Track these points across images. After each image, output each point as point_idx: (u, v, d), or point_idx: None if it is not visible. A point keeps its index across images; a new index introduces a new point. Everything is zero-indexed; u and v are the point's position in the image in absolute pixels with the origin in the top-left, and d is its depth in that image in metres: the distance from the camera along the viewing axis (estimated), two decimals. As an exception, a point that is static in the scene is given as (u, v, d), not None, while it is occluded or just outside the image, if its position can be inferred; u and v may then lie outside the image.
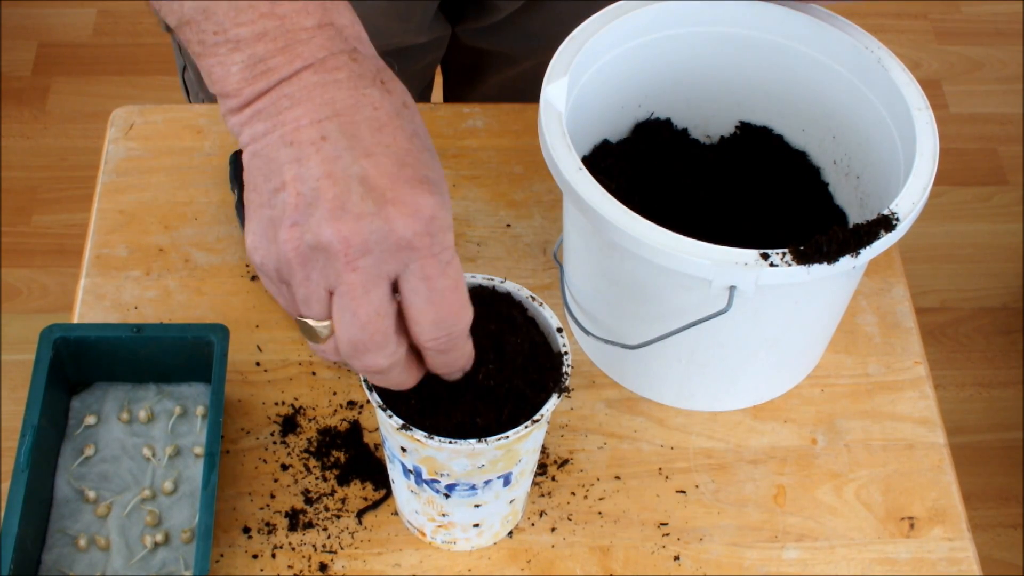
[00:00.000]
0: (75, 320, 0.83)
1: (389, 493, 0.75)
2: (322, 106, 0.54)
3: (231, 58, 0.56)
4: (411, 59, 1.04)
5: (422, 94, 1.15)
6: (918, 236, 1.86)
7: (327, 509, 0.75)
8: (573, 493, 0.77)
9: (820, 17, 0.77)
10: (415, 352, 0.60)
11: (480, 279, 0.67)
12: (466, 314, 0.57)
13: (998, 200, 1.98)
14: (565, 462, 0.78)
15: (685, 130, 0.86)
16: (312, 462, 0.77)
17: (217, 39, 0.56)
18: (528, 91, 0.84)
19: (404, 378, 0.60)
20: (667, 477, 0.77)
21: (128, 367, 0.77)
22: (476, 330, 0.62)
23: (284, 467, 0.77)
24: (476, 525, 0.71)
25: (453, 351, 0.58)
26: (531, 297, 0.67)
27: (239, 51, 0.55)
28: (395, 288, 0.56)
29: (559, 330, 0.65)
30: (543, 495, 0.76)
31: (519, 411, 0.63)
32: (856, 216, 0.81)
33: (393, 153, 0.54)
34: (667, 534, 0.75)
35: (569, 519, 0.75)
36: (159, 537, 0.72)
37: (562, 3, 0.78)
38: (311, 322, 0.57)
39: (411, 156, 0.55)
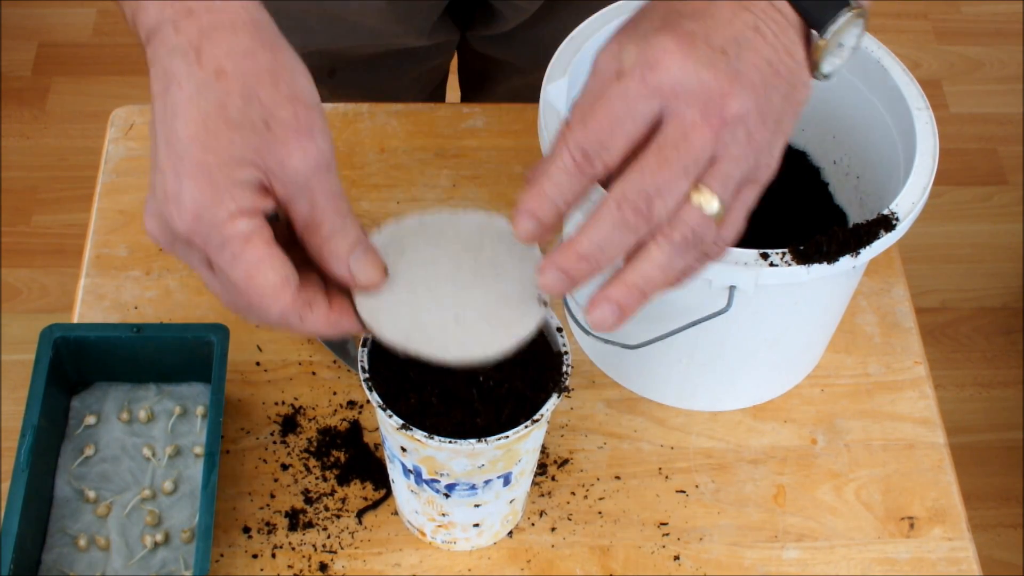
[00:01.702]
0: (75, 320, 0.83)
1: (389, 493, 0.75)
2: (153, 83, 0.55)
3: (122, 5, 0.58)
4: (415, 61, 1.04)
5: (432, 95, 1.15)
6: (918, 236, 1.86)
7: (327, 509, 0.75)
8: (573, 493, 0.77)
9: (820, 17, 0.77)
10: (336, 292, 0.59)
11: None
12: (274, 303, 0.55)
13: (998, 200, 1.98)
14: (565, 462, 0.78)
15: (685, 130, 0.86)
16: (312, 462, 0.77)
17: None
18: (536, 102, 0.84)
19: (308, 326, 0.57)
20: (667, 477, 0.77)
21: (128, 367, 0.77)
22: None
23: (284, 467, 0.77)
24: (476, 525, 0.71)
25: (284, 329, 0.57)
26: (531, 297, 0.67)
27: (126, 9, 0.57)
28: None
29: (559, 330, 0.65)
30: (543, 495, 0.76)
31: (519, 411, 0.63)
32: (856, 216, 0.81)
33: (181, 141, 0.53)
34: (667, 534, 0.75)
35: (569, 519, 0.75)
36: (159, 537, 0.72)
37: (571, 16, 0.78)
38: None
39: (196, 143, 0.53)
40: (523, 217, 0.56)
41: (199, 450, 0.76)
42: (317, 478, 0.76)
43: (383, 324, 0.58)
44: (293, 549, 0.73)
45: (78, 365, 0.77)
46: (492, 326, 0.59)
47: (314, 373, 0.80)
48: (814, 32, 0.57)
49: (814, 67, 0.58)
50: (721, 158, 0.53)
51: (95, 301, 0.83)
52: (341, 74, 1.01)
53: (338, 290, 0.58)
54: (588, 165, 0.54)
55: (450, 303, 0.59)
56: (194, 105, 0.53)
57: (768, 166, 0.56)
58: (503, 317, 0.59)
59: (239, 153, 0.53)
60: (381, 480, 0.76)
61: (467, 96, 1.18)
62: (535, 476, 0.76)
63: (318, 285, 0.58)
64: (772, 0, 0.56)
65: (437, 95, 1.17)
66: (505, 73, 1.09)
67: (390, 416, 0.62)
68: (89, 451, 0.75)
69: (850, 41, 0.58)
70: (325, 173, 0.55)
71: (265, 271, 0.54)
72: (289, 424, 0.78)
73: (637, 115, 0.53)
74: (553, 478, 0.77)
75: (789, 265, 0.66)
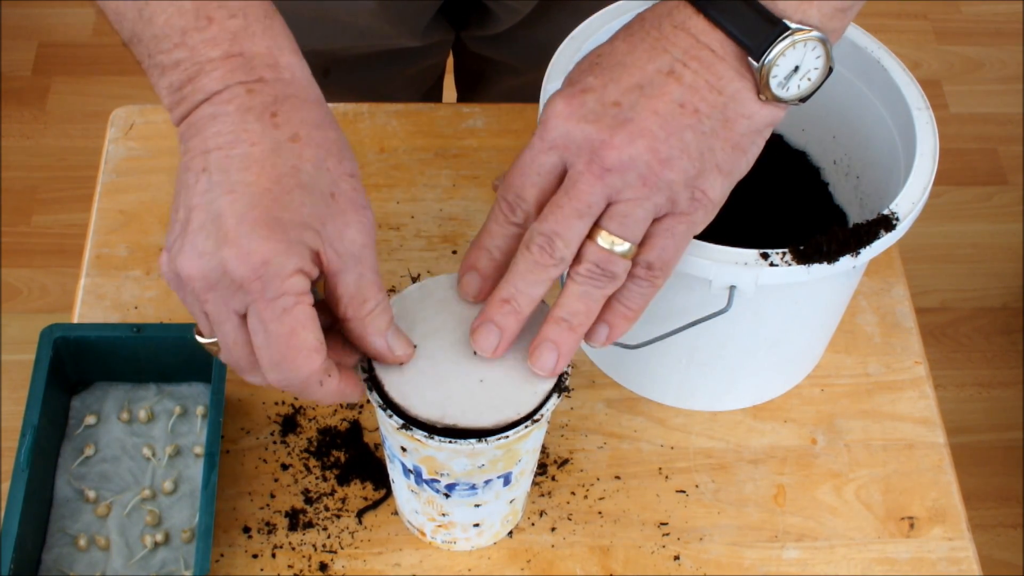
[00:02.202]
0: (75, 320, 0.83)
1: (389, 493, 0.75)
2: (209, 138, 0.56)
3: (160, 82, 0.58)
4: (410, 61, 1.04)
5: (426, 95, 1.15)
6: (918, 236, 1.86)
7: (327, 509, 0.75)
8: (573, 493, 0.77)
9: (820, 17, 0.77)
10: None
11: None
12: (306, 363, 0.56)
13: (998, 200, 1.98)
14: (565, 462, 0.78)
15: (685, 130, 0.85)
16: (312, 462, 0.77)
17: (150, 62, 0.58)
18: (531, 102, 0.84)
19: (317, 396, 0.59)
20: (667, 477, 0.77)
21: (128, 367, 0.77)
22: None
23: (284, 467, 0.77)
24: (476, 525, 0.71)
25: (304, 394, 0.58)
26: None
27: (164, 77, 0.58)
28: None
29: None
30: (543, 495, 0.76)
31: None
32: (856, 216, 0.81)
33: (251, 192, 0.55)
34: (667, 534, 0.75)
35: (569, 519, 0.75)
36: (159, 537, 0.72)
37: (566, 16, 0.78)
38: (199, 337, 0.60)
39: (268, 196, 0.55)
40: (464, 274, 0.62)
41: (199, 450, 0.76)
42: (317, 478, 0.76)
43: (414, 402, 0.61)
44: (293, 549, 0.73)
45: (78, 365, 0.77)
46: (516, 384, 0.62)
47: (314, 373, 0.80)
48: (752, 61, 0.59)
49: (768, 94, 0.60)
50: (617, 201, 0.59)
51: (95, 301, 0.83)
52: (336, 74, 1.01)
53: (342, 362, 0.61)
54: (512, 214, 0.61)
55: (470, 367, 0.62)
56: (270, 162, 0.56)
57: (695, 199, 0.60)
58: (523, 373, 0.62)
59: (307, 217, 0.56)
60: (381, 480, 0.76)
61: (463, 96, 1.18)
62: (535, 476, 0.76)
63: (331, 356, 0.60)
64: (700, 35, 0.60)
65: (433, 95, 1.17)
66: (500, 73, 1.09)
67: (390, 416, 0.62)
68: (89, 451, 0.75)
69: (810, 63, 0.60)
70: (373, 248, 0.58)
71: (308, 331, 0.56)
72: (289, 424, 0.78)
73: (541, 167, 0.60)
74: (553, 478, 0.77)
75: (789, 265, 0.66)
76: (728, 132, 0.60)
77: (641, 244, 0.60)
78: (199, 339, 0.60)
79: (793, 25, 0.59)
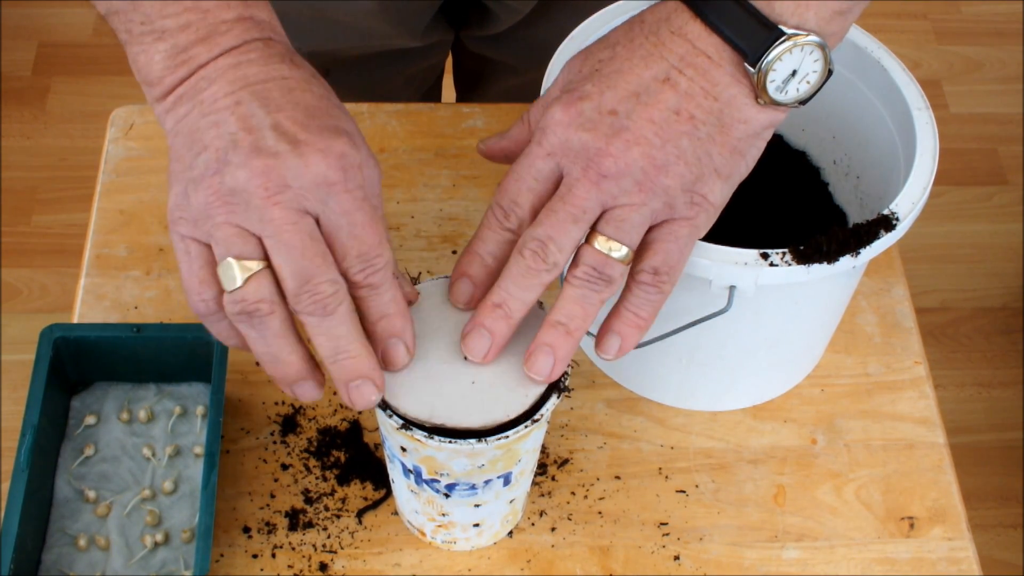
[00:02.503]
0: (75, 320, 0.83)
1: (389, 493, 0.75)
2: (236, 80, 0.58)
3: (155, 47, 0.59)
4: (409, 61, 1.04)
5: (426, 95, 1.15)
6: (918, 236, 1.86)
7: (327, 509, 0.75)
8: (573, 493, 0.77)
9: (820, 17, 0.77)
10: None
11: None
12: (385, 250, 0.58)
13: (998, 200, 1.98)
14: (565, 462, 0.78)
15: (685, 130, 0.85)
16: (312, 462, 0.77)
17: (143, 29, 0.59)
18: (530, 102, 0.84)
19: (351, 326, 0.58)
20: (667, 477, 0.77)
21: (128, 367, 0.77)
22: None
23: (284, 467, 0.77)
24: (476, 525, 0.71)
25: (382, 286, 0.59)
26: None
27: (163, 41, 0.58)
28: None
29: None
30: (543, 495, 0.76)
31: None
32: (856, 216, 0.81)
33: (303, 107, 0.58)
34: (667, 534, 0.75)
35: (569, 519, 0.75)
36: (159, 537, 0.72)
37: (565, 16, 0.79)
38: (232, 260, 0.56)
39: (321, 110, 0.58)
40: (456, 281, 0.63)
41: (199, 450, 0.76)
42: (317, 478, 0.76)
43: (403, 400, 0.61)
44: (293, 549, 0.73)
45: (78, 365, 0.77)
46: (508, 386, 0.62)
47: (314, 373, 0.80)
48: (748, 66, 0.60)
49: (766, 98, 0.60)
50: (613, 207, 0.59)
51: (95, 301, 0.83)
52: (336, 74, 1.02)
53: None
54: (506, 220, 0.61)
55: (464, 369, 0.62)
56: (308, 87, 0.59)
57: (694, 203, 0.61)
58: (515, 376, 0.62)
59: (351, 133, 0.59)
60: (381, 480, 0.76)
61: (462, 95, 1.19)
62: (535, 476, 0.76)
63: None
64: (696, 41, 0.60)
65: (432, 95, 1.17)
66: (500, 73, 1.09)
67: (390, 416, 0.62)
68: (89, 451, 0.75)
69: (808, 67, 0.60)
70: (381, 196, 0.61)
71: (382, 224, 0.58)
72: (289, 424, 0.78)
73: (538, 173, 0.61)
74: (553, 478, 0.77)
75: (789, 265, 0.66)
76: (725, 137, 0.60)
77: (646, 250, 0.61)
78: (232, 261, 0.56)
79: (789, 30, 0.59)
